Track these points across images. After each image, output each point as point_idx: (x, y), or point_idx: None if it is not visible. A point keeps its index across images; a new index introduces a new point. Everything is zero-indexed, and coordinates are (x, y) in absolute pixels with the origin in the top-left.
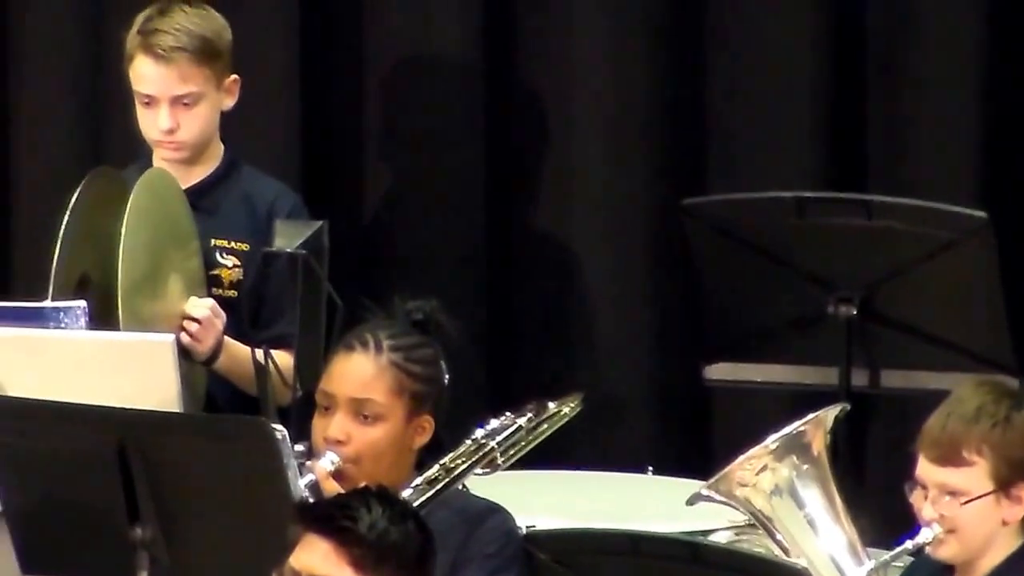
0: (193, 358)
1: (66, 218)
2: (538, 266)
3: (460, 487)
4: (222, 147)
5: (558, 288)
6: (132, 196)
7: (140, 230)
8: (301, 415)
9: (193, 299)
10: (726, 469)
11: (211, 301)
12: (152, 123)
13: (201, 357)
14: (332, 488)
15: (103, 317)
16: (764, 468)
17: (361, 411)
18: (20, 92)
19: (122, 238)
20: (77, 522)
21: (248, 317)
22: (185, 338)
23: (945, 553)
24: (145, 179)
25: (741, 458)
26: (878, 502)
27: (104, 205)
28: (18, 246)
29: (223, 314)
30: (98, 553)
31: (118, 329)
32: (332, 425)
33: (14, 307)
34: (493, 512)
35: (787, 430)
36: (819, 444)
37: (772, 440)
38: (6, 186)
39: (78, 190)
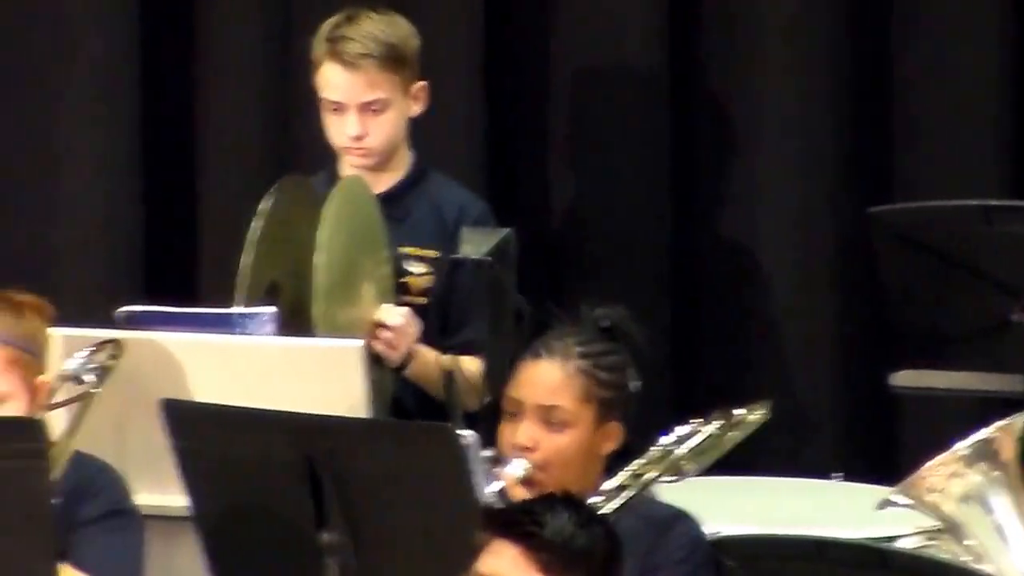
0: (385, 364)
1: (257, 225)
2: (723, 273)
3: (647, 493)
4: (410, 154)
5: (743, 295)
6: (329, 203)
7: (337, 237)
8: (489, 421)
9: (388, 306)
10: (915, 474)
11: (406, 309)
12: (340, 130)
13: (394, 364)
14: (520, 494)
15: (293, 324)
16: (954, 474)
17: (549, 418)
18: (208, 101)
19: (318, 244)
20: (265, 528)
21: (436, 324)
22: (379, 345)
23: None
24: (342, 186)
25: (931, 463)
26: None
27: (295, 212)
28: (206, 253)
29: (418, 322)
30: (286, 559)
31: (310, 336)
32: (520, 432)
33: (202, 313)
34: (680, 519)
35: (977, 436)
36: (1009, 451)
37: (962, 446)
38: (194, 194)
39: (269, 198)
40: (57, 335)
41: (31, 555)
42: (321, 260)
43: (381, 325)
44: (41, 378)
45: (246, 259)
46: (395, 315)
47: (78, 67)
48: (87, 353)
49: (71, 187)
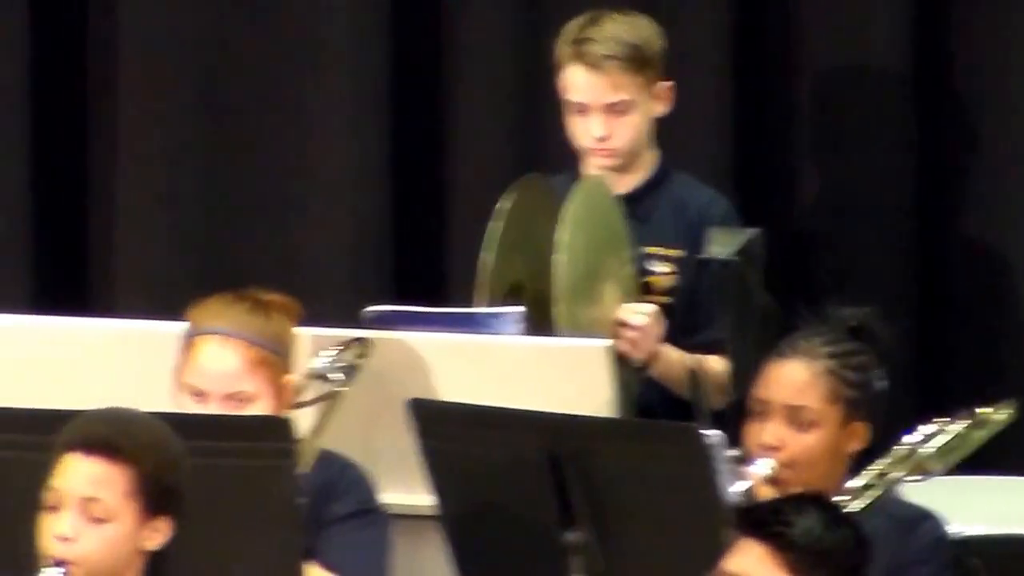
0: (629, 363)
1: (496, 225)
2: (969, 273)
3: (892, 493)
4: (655, 154)
5: (989, 294)
6: (569, 202)
7: (577, 236)
8: (735, 421)
9: (633, 305)
10: None
11: (652, 307)
12: (585, 131)
13: (638, 363)
14: (766, 494)
15: (536, 324)
16: None
17: (795, 418)
18: (457, 102)
19: (559, 244)
20: (510, 527)
21: (680, 323)
22: (623, 344)
23: None
24: (582, 186)
25: None
26: None
27: (535, 212)
28: (453, 253)
29: (662, 321)
30: (531, 558)
31: (552, 335)
32: (766, 431)
33: (449, 313)
34: (925, 518)
35: None
36: None
37: None
38: (442, 195)
39: (508, 198)
40: (304, 335)
41: (279, 553)
42: (561, 260)
43: (625, 324)
44: (287, 378)
45: (486, 259)
46: (639, 314)
47: (329, 71)
48: (334, 352)
49: (320, 188)
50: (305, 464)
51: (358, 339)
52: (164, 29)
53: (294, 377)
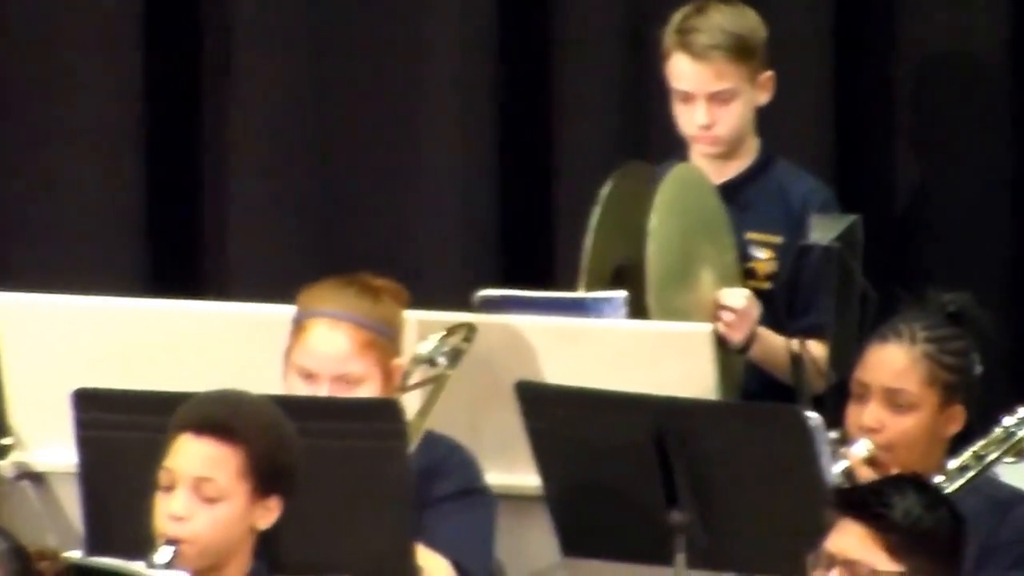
0: (727, 347)
1: (596, 211)
2: None
3: (989, 475)
4: (757, 142)
5: None
6: (660, 189)
7: (668, 223)
8: (835, 403)
9: (728, 289)
10: None
11: (747, 291)
12: (689, 119)
13: (736, 346)
14: (866, 475)
15: (638, 309)
16: None
17: (895, 400)
18: (564, 89)
19: (649, 232)
20: (615, 507)
21: (783, 308)
22: (720, 327)
23: None
24: (674, 174)
25: None
26: None
27: (635, 199)
28: (560, 239)
29: (759, 304)
30: (635, 537)
31: (649, 320)
32: (866, 413)
33: (556, 297)
34: (1021, 500)
35: None
36: None
37: None
38: (550, 181)
39: (608, 184)
40: (412, 319)
41: (389, 533)
42: (651, 248)
43: (723, 307)
44: (396, 361)
45: (586, 244)
46: (737, 297)
47: (439, 59)
48: (440, 336)
49: (430, 175)
50: (411, 445)
51: (464, 323)
52: (278, 15)
53: (402, 361)
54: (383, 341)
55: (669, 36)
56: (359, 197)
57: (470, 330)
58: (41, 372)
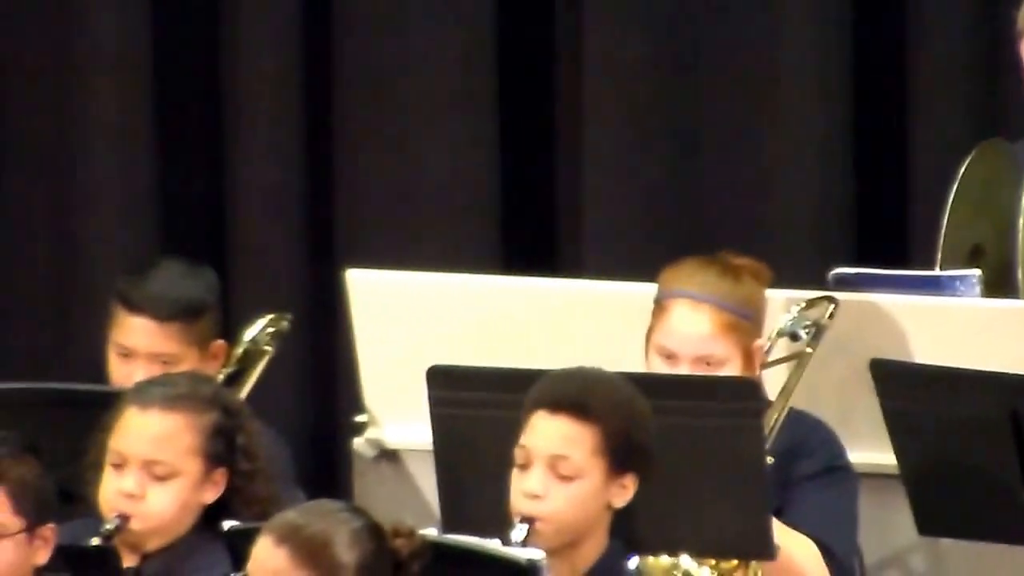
0: None
1: (954, 188)
2: None
3: None
4: None
5: None
6: None
7: None
8: None
9: None
10: None
11: None
12: None
13: None
14: None
15: (998, 287)
16: None
17: None
18: (919, 68)
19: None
20: (970, 486)
21: None
22: None
23: None
24: None
25: None
26: None
27: (995, 177)
28: (915, 216)
29: None
30: (991, 516)
31: (1015, 298)
32: None
33: (910, 275)
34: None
35: None
36: None
37: None
38: (904, 159)
39: (967, 162)
40: (775, 297)
41: (747, 511)
42: (1022, 224)
43: None
44: (757, 343)
45: (943, 222)
46: None
47: (795, 39)
48: (800, 309)
49: (789, 154)
50: (773, 424)
51: (824, 297)
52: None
53: (762, 342)
54: (744, 323)
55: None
56: (713, 176)
57: (831, 304)
58: (395, 349)
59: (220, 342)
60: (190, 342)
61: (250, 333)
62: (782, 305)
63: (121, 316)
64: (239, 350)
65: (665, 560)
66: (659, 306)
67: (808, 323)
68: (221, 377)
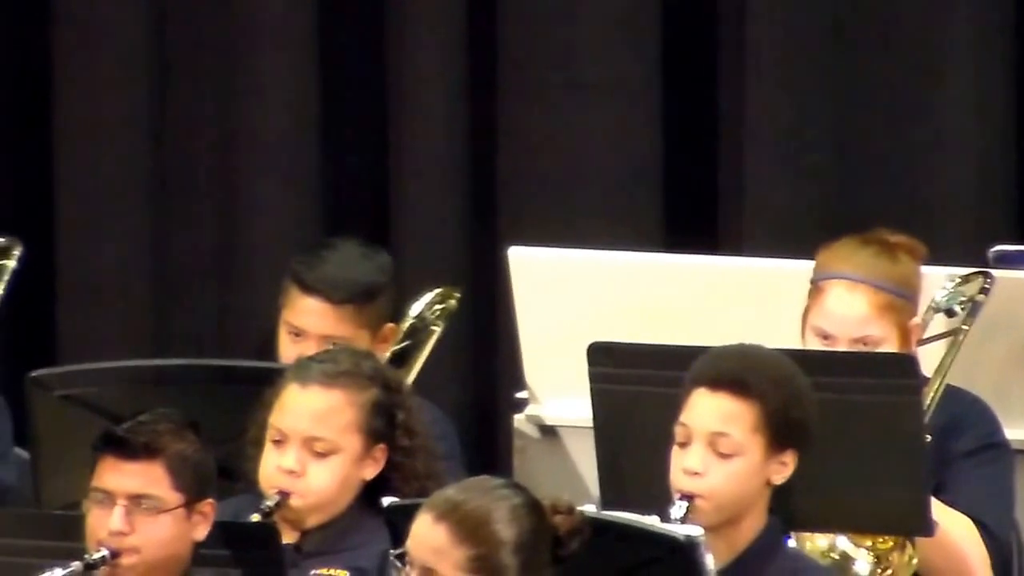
0: None
1: None
2: None
3: None
4: None
5: None
6: None
7: None
8: None
9: None
10: None
11: None
12: None
13: None
14: None
15: None
16: None
17: None
18: None
19: None
20: None
21: None
22: None
23: None
24: None
25: None
26: None
27: None
28: None
29: None
30: None
31: None
32: None
33: None
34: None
35: None
36: None
37: None
38: None
39: None
40: (932, 274)
41: (906, 487)
42: None
43: None
44: (913, 321)
45: None
46: None
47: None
48: (955, 284)
49: (945, 133)
50: (930, 401)
51: (978, 272)
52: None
53: (918, 320)
54: (901, 303)
55: None
56: (873, 154)
57: (986, 279)
58: (555, 326)
59: (391, 325)
60: (362, 325)
61: (416, 308)
62: (940, 282)
63: (295, 296)
64: (404, 325)
65: (822, 543)
66: (815, 288)
67: (963, 299)
68: (387, 355)
